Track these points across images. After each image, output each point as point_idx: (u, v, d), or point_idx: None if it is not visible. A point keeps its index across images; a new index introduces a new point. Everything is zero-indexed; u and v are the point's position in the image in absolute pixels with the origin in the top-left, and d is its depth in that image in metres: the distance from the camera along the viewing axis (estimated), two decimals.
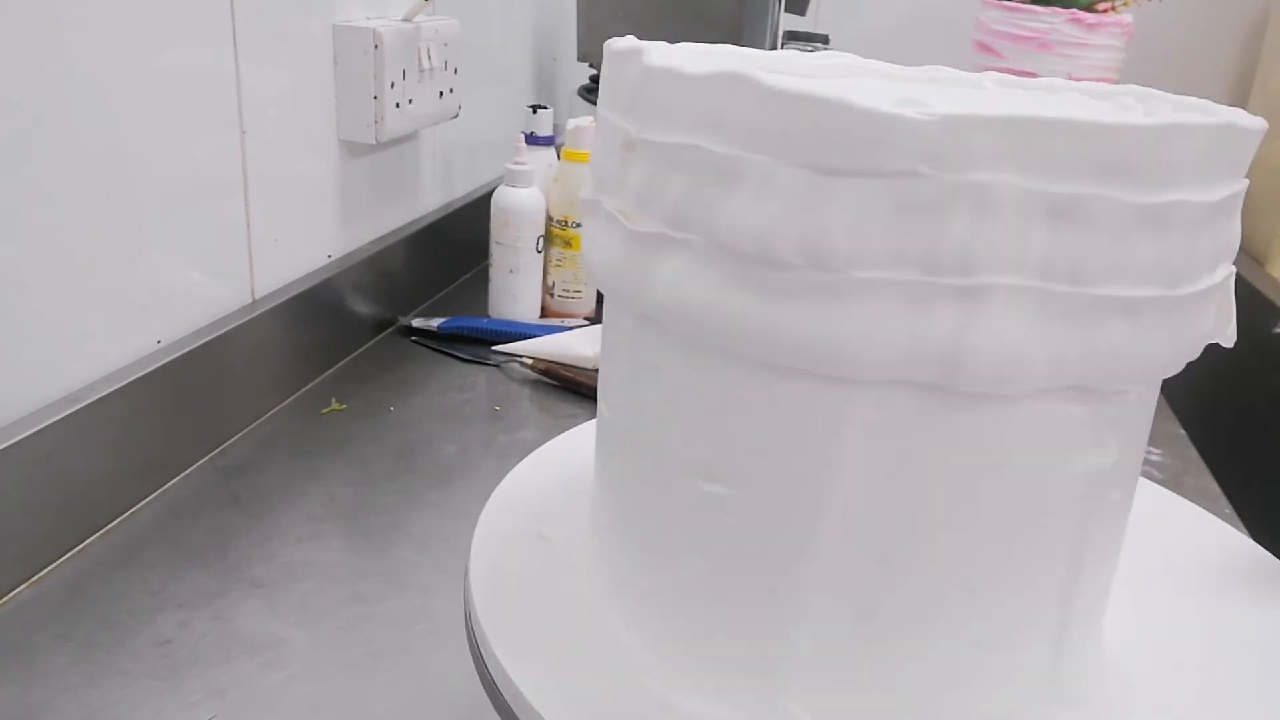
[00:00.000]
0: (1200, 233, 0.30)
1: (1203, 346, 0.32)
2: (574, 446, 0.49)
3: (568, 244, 0.97)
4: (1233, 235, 0.32)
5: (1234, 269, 0.33)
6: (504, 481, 0.46)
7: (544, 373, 0.86)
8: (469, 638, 0.38)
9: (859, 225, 0.28)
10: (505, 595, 0.38)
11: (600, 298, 1.00)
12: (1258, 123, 0.31)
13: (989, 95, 0.38)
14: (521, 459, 0.48)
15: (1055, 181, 0.27)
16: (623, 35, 0.36)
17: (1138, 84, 0.38)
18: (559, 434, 0.50)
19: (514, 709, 0.34)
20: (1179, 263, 0.30)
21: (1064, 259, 0.28)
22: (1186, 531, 0.45)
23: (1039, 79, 0.41)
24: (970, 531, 0.31)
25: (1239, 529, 0.45)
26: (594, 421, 0.51)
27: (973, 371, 0.28)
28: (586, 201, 0.36)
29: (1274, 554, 0.43)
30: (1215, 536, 0.45)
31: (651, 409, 0.35)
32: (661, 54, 0.32)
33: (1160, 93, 0.36)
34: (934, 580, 0.32)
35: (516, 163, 0.93)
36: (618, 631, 0.37)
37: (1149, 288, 0.29)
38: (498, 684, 0.35)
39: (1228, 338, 0.33)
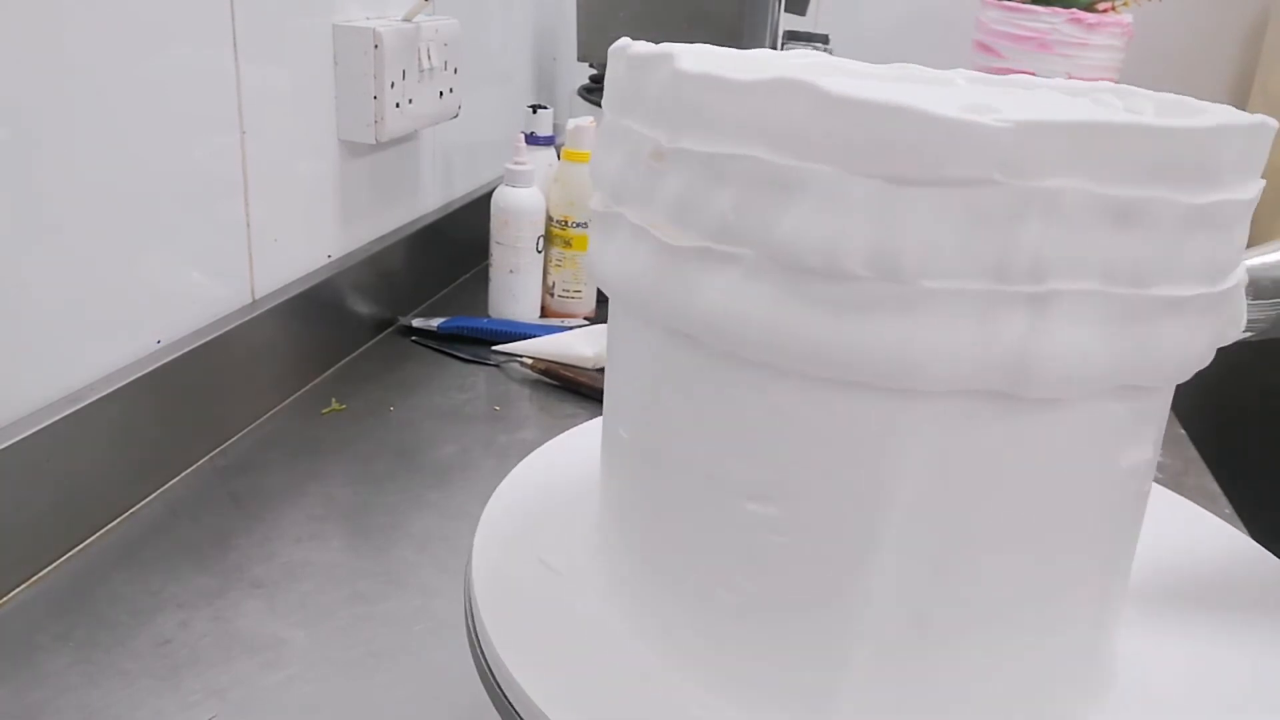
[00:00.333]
0: (1236, 230, 0.30)
1: (1237, 331, 0.33)
2: (575, 446, 0.49)
3: (568, 244, 0.97)
4: (1247, 232, 0.32)
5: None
6: (505, 481, 0.46)
7: (544, 373, 0.86)
8: (469, 637, 0.38)
9: (931, 235, 0.27)
10: (507, 596, 0.38)
11: (600, 298, 1.00)
12: (1275, 121, 0.31)
13: (961, 91, 0.38)
14: (521, 459, 0.48)
15: (1120, 185, 0.27)
16: (623, 35, 0.35)
17: (1138, 84, 0.39)
18: (559, 434, 0.50)
19: (518, 709, 0.34)
20: (1219, 260, 0.30)
21: (1126, 261, 0.28)
22: (1186, 531, 0.45)
23: (1011, 76, 0.41)
24: (1025, 534, 0.31)
25: (1239, 529, 0.45)
26: (593, 422, 0.51)
27: (1040, 378, 0.28)
28: (600, 214, 0.35)
29: (1274, 554, 0.43)
30: (1215, 536, 0.45)
31: (686, 430, 0.33)
32: (694, 59, 0.31)
33: (1139, 90, 0.37)
34: (990, 585, 0.31)
35: (516, 163, 0.93)
36: (626, 636, 0.37)
37: (1196, 286, 0.30)
38: (508, 696, 0.35)
39: (1239, 330, 0.34)
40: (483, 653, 0.36)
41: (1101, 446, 0.31)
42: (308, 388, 0.83)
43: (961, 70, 0.40)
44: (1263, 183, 0.32)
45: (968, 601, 0.32)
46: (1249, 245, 0.33)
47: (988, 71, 0.41)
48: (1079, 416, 0.30)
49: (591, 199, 0.36)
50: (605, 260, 0.34)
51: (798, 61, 0.39)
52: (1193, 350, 0.31)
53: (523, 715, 0.33)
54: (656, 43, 0.35)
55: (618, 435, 0.37)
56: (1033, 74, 1.19)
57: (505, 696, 0.34)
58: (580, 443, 0.49)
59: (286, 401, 0.80)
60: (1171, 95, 0.36)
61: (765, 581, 0.32)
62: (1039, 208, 0.27)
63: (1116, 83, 0.38)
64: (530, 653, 0.35)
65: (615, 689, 0.35)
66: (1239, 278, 0.32)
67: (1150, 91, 0.36)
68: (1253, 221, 0.32)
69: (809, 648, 0.32)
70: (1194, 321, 0.30)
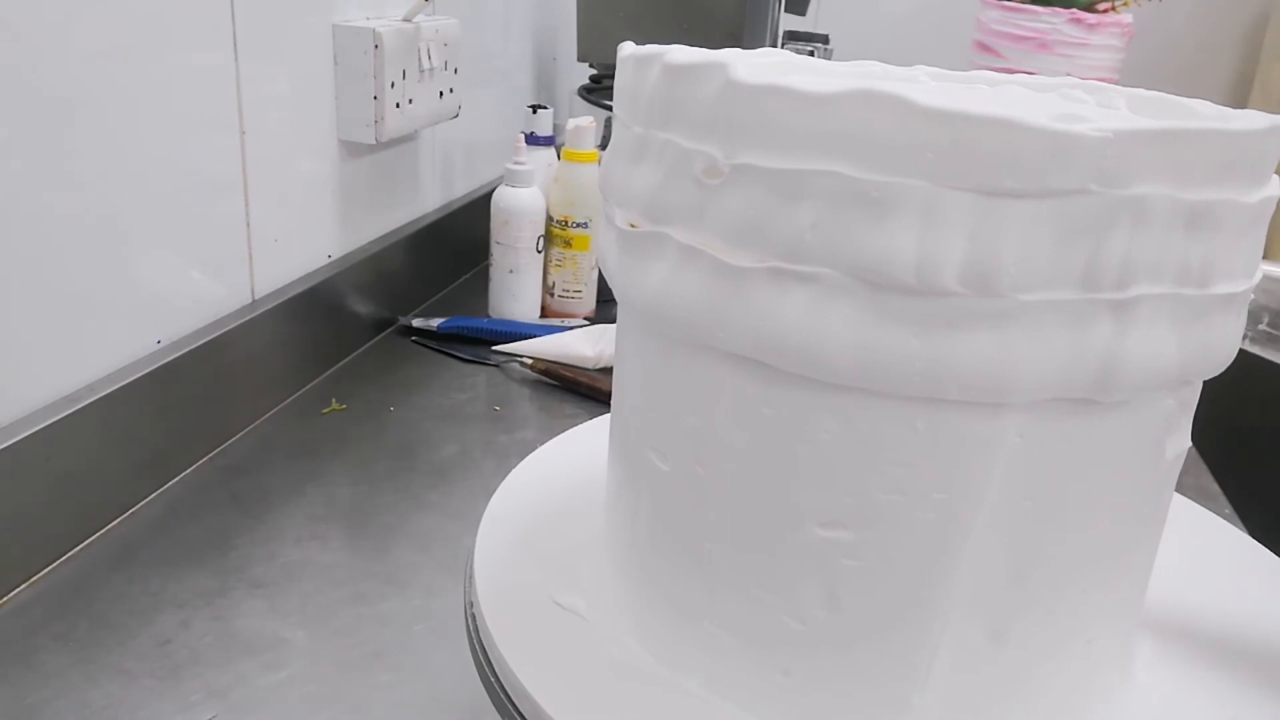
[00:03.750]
0: (1266, 226, 0.31)
1: None
2: (576, 446, 0.48)
3: (568, 244, 0.97)
4: None
5: None
6: (507, 480, 0.45)
7: (544, 373, 0.86)
8: (470, 637, 0.38)
9: (1027, 248, 0.27)
10: (509, 595, 0.38)
11: (600, 298, 1.00)
12: None
13: (926, 89, 0.38)
14: (521, 459, 0.47)
15: (1196, 189, 0.28)
16: (623, 36, 0.35)
17: (1138, 84, 0.39)
18: (559, 434, 0.50)
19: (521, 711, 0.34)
20: (1258, 255, 0.31)
21: (1195, 263, 0.29)
22: (1187, 531, 0.45)
23: (973, 72, 0.40)
24: (1093, 534, 0.32)
25: (1239, 529, 0.46)
26: (593, 422, 0.51)
27: (1122, 382, 0.29)
28: (633, 235, 0.33)
29: (1274, 553, 0.43)
30: (1215, 536, 0.45)
31: (746, 458, 0.32)
32: (749, 69, 0.29)
33: (1107, 85, 0.37)
34: (1061, 589, 0.32)
35: (516, 163, 0.93)
36: (633, 644, 0.36)
37: (1244, 281, 0.31)
38: (511, 694, 0.34)
39: None
40: (484, 654, 0.36)
41: (1154, 439, 0.32)
42: (308, 388, 0.83)
43: (922, 66, 0.40)
44: None
45: (1037, 606, 0.32)
46: None
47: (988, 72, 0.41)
48: (1141, 413, 0.31)
49: (613, 216, 0.34)
50: (644, 284, 0.33)
51: (761, 61, 0.38)
52: (1235, 343, 0.32)
53: (525, 716, 0.34)
54: (645, 44, 0.34)
55: (652, 467, 0.35)
56: (1033, 74, 1.19)
57: (508, 698, 0.34)
58: (580, 443, 0.49)
59: (286, 401, 0.80)
60: (1143, 90, 0.36)
61: (837, 607, 0.31)
62: (1127, 216, 0.27)
63: (1117, 83, 0.38)
64: (531, 654, 0.35)
65: (625, 695, 0.34)
66: (1260, 271, 0.33)
67: (1119, 87, 0.37)
68: None
69: (882, 668, 0.32)
70: (1238, 316, 0.31)
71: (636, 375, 0.36)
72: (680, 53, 0.32)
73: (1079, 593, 0.32)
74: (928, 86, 0.38)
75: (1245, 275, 0.31)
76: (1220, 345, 0.31)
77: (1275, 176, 0.31)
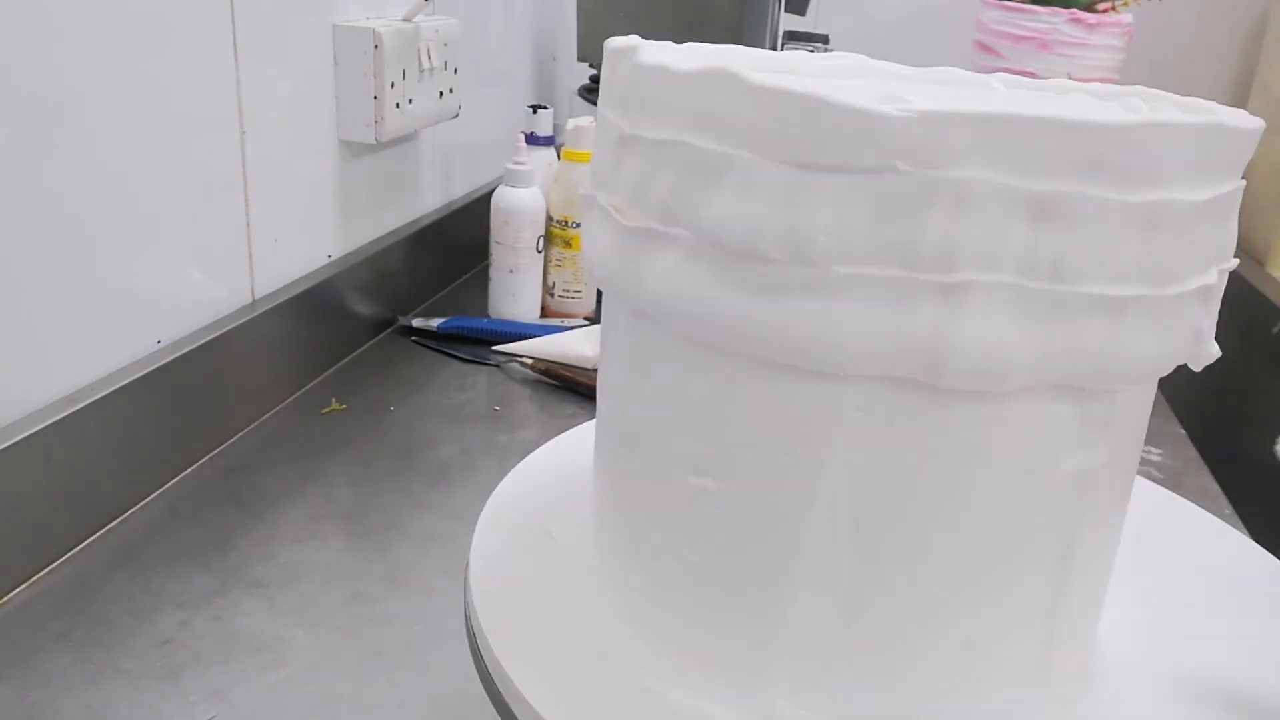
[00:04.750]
0: (1191, 232, 0.30)
1: (1201, 348, 0.32)
2: (575, 446, 0.49)
3: (568, 244, 0.97)
4: (1227, 235, 0.32)
5: (1229, 269, 0.33)
6: (505, 480, 0.46)
7: (544, 373, 0.86)
8: (469, 637, 0.38)
9: (839, 221, 0.28)
10: (504, 592, 0.38)
11: (600, 297, 1.00)
12: (1255, 122, 0.30)
13: (995, 96, 0.38)
14: (521, 459, 0.48)
15: (1036, 179, 0.27)
16: (623, 35, 0.36)
17: (1137, 84, 0.38)
18: (559, 434, 0.50)
19: (511, 707, 0.34)
20: (1167, 262, 0.29)
21: (1045, 256, 0.28)
22: (1187, 531, 0.45)
23: (1048, 80, 0.40)
24: (955, 528, 0.31)
25: (1239, 529, 0.45)
26: (592, 422, 0.51)
27: (954, 367, 0.28)
28: (584, 197, 0.37)
29: (1274, 554, 0.43)
30: (1215, 536, 0.45)
31: (645, 404, 0.35)
32: (653, 52, 0.33)
33: (1166, 94, 0.36)
34: (919, 577, 0.32)
35: (516, 163, 0.93)
36: (614, 626, 0.37)
37: (1134, 286, 0.29)
38: (496, 682, 0.35)
39: (1210, 340, 0.33)
40: (482, 653, 0.36)
41: (1038, 447, 0.31)
42: (308, 388, 0.83)
43: (1001, 75, 0.41)
44: (1240, 183, 0.31)
45: (897, 594, 0.32)
46: (1248, 246, 0.33)
47: (988, 71, 0.41)
48: (1013, 413, 0.30)
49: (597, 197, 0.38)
50: (587, 240, 0.37)
51: (833, 64, 0.40)
52: (1141, 353, 0.30)
53: (517, 714, 0.34)
54: (675, 42, 0.37)
55: (601, 410, 0.39)
56: (1033, 74, 1.19)
57: (501, 695, 0.34)
58: (580, 443, 0.49)
59: (286, 401, 0.80)
60: (1196, 100, 0.35)
61: (705, 554, 0.34)
62: (945, 198, 0.27)
63: (1117, 83, 0.38)
64: (528, 655, 0.35)
65: (603, 683, 0.35)
66: (1200, 284, 0.31)
67: (1180, 97, 0.35)
68: (1253, 222, 0.32)
69: (744, 622, 0.34)
70: (1138, 323, 0.29)
71: (601, 328, 0.40)
72: (663, 48, 0.35)
73: (943, 586, 0.32)
74: (998, 92, 0.39)
75: (1140, 280, 0.29)
76: (1107, 352, 0.29)
77: (1216, 181, 0.30)
